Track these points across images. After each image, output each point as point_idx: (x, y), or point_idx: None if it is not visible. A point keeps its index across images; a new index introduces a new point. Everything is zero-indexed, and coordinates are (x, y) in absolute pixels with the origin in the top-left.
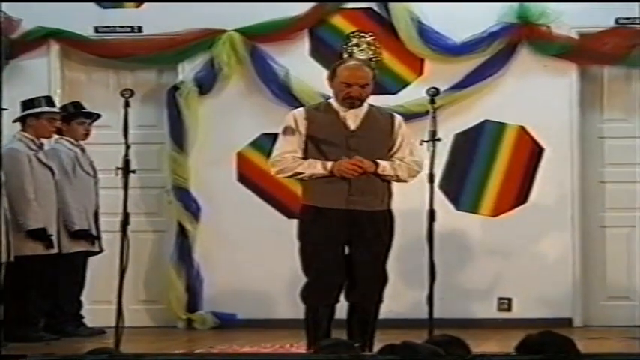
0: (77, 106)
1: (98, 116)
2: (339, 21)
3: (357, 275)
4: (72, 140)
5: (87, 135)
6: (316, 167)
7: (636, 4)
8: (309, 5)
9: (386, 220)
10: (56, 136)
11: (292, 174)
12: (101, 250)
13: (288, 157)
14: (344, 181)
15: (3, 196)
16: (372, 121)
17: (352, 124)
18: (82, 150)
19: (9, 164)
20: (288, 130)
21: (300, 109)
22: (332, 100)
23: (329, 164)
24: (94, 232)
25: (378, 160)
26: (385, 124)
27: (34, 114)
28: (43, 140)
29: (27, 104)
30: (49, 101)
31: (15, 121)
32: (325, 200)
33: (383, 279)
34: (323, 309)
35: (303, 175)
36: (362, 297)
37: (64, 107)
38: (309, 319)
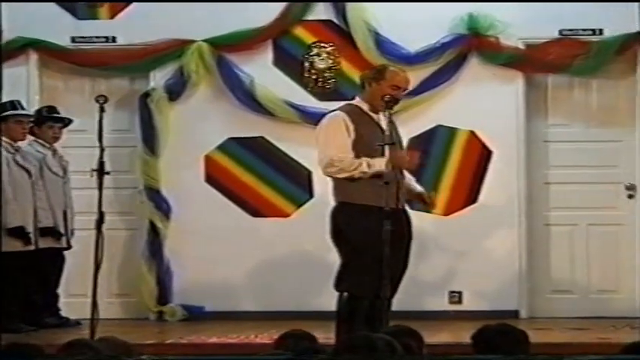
0: (50, 110)
1: (70, 121)
2: (300, 32)
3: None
4: (43, 142)
5: (56, 138)
6: (375, 165)
7: (578, 14)
8: (273, 17)
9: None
10: (31, 138)
11: (350, 174)
12: (69, 247)
13: (347, 158)
14: (394, 183)
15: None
16: (393, 124)
17: (384, 127)
18: (54, 152)
19: None
20: (339, 132)
21: (342, 113)
22: (356, 104)
23: (384, 160)
24: (61, 229)
25: None
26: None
27: (2, 118)
28: (20, 143)
29: None
30: (14, 105)
31: None
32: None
33: None
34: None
35: (363, 174)
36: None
37: (38, 111)
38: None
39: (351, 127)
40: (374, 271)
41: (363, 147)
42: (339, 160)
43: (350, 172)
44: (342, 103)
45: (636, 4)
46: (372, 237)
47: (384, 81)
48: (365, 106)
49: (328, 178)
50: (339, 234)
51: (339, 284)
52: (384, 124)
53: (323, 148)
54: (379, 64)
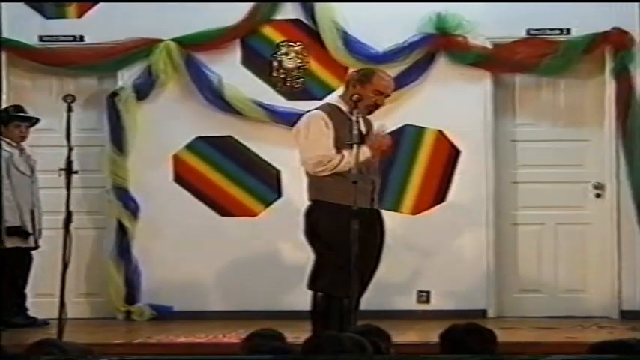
0: (17, 109)
1: (37, 120)
2: (269, 31)
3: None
4: (10, 142)
5: (23, 138)
6: (360, 155)
7: (545, 14)
8: (241, 16)
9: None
10: None
11: (338, 170)
12: (37, 247)
13: (335, 157)
14: (369, 184)
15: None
16: (369, 127)
17: (363, 129)
18: (21, 151)
19: None
20: (323, 131)
21: (322, 112)
22: (336, 103)
23: (365, 147)
24: (28, 229)
25: None
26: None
27: None
28: None
29: None
30: None
31: None
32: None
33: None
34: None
35: (349, 166)
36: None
37: (5, 110)
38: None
39: (331, 126)
40: (347, 270)
41: (340, 147)
42: (328, 160)
43: (338, 168)
44: (320, 103)
45: (605, 4)
46: (345, 236)
47: (370, 85)
48: (344, 107)
49: (297, 178)
50: (313, 232)
51: (313, 283)
52: (361, 124)
53: (310, 148)
54: (367, 67)
